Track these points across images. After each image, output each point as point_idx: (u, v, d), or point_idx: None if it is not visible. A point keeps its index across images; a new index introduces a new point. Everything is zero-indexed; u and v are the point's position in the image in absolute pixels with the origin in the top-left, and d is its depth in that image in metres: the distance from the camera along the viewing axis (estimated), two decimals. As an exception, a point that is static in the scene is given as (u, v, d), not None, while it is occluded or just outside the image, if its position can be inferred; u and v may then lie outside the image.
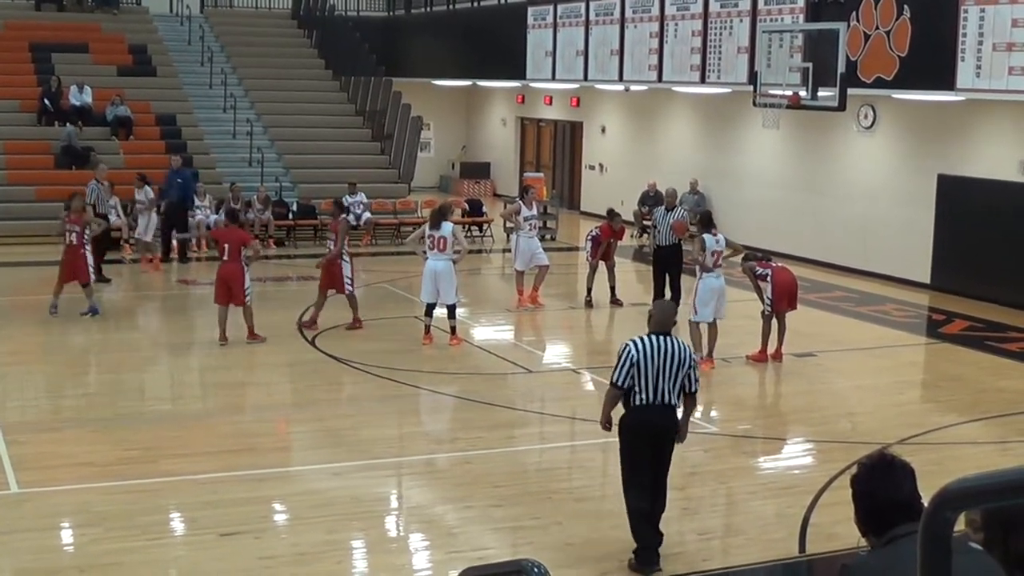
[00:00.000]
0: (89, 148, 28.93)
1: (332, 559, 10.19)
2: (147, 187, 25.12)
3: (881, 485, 4.62)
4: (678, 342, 9.87)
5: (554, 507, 11.41)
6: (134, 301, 22.70)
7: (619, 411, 10.08)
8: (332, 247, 19.22)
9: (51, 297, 19.58)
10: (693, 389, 9.89)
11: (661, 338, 9.77)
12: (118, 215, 25.95)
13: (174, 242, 26.16)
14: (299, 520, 11.07)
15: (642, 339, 9.78)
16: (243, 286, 17.72)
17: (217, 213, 27.38)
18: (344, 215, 20.40)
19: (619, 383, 9.75)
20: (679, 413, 9.98)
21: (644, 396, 9.69)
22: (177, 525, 11.10)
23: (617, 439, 10.03)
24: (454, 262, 18.16)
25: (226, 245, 18.05)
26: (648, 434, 9.79)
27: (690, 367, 9.81)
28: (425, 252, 18.21)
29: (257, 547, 10.26)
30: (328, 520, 10.93)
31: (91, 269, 19.81)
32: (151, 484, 11.79)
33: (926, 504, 4.65)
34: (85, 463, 12.35)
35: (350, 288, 19.08)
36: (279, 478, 12.22)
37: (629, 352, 9.71)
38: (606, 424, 10.15)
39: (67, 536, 10.80)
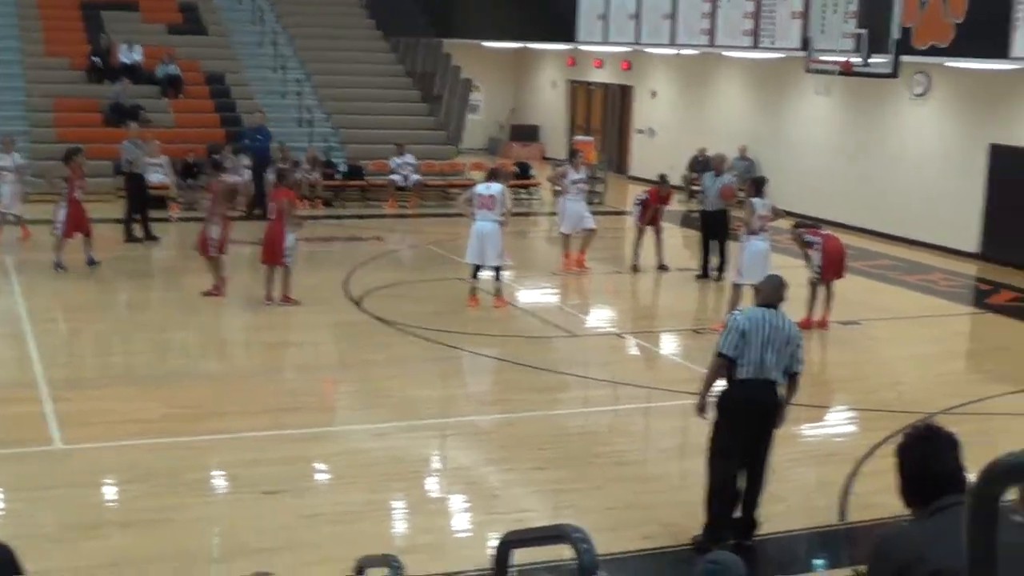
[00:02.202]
0: (138, 106, 29.01)
1: (373, 519, 10.25)
2: (15, 153, 22.72)
3: (926, 456, 4.60)
4: (786, 318, 9.55)
5: (596, 471, 11.43)
6: (181, 260, 22.77)
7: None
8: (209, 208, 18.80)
9: (54, 255, 19.72)
10: (797, 369, 9.50)
11: (769, 311, 9.49)
12: (166, 174, 26.09)
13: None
14: (341, 480, 11.14)
15: (751, 310, 9.56)
16: (284, 246, 17.70)
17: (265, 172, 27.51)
18: (222, 176, 19.90)
19: (726, 351, 9.34)
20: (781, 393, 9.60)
21: (749, 368, 9.31)
22: (220, 483, 11.20)
23: (715, 414, 9.61)
24: (501, 223, 18.11)
25: (273, 204, 18.11)
26: (750, 410, 9.42)
27: (797, 345, 9.44)
28: (474, 213, 18.16)
29: (299, 506, 10.32)
30: (370, 480, 11.00)
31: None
32: (195, 442, 11.90)
33: (971, 477, 4.64)
34: (130, 420, 12.44)
35: (214, 252, 18.32)
36: (322, 437, 12.28)
37: (736, 321, 9.42)
38: (702, 403, 9.73)
39: (110, 492, 10.91)
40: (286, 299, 17.84)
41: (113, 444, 11.73)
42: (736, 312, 9.62)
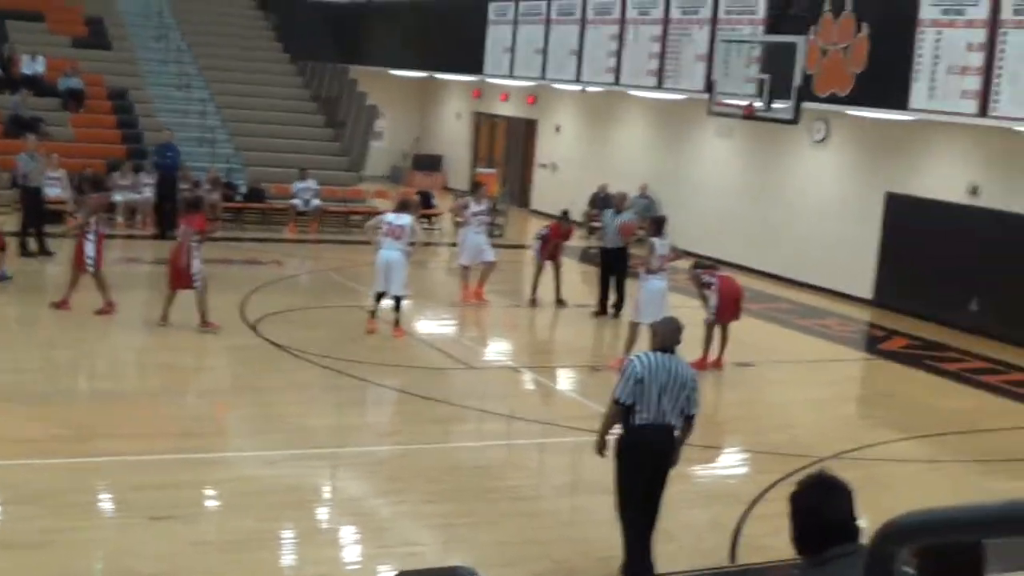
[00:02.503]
0: (38, 118, 28.62)
1: (262, 548, 10.13)
2: None
3: (819, 504, 4.65)
4: (681, 362, 9.54)
5: (489, 505, 11.40)
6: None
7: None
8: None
9: None
10: (693, 411, 9.51)
11: (665, 356, 9.46)
12: (63, 188, 25.83)
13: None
14: (231, 507, 11.01)
15: (647, 355, 9.48)
16: (191, 272, 17.49)
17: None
18: (100, 193, 19.67)
19: (622, 399, 9.33)
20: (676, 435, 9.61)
21: (645, 414, 9.31)
22: (107, 506, 11.01)
23: (614, 459, 9.57)
24: (407, 254, 18.07)
25: (184, 228, 17.94)
26: (648, 454, 9.41)
27: (692, 388, 9.45)
28: (379, 241, 18.10)
29: (187, 532, 10.18)
30: (260, 508, 10.87)
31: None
32: (83, 463, 11.69)
33: (864, 524, 4.68)
34: (16, 439, 12.20)
35: (90, 268, 18.15)
36: (213, 463, 12.14)
37: (633, 368, 9.36)
38: (601, 444, 9.73)
39: (-5, 512, 10.69)
40: (205, 324, 17.56)
41: (0, 463, 11.51)
42: (632, 358, 9.57)
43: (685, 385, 9.40)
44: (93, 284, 18.06)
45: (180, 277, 17.53)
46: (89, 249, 18.00)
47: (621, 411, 9.41)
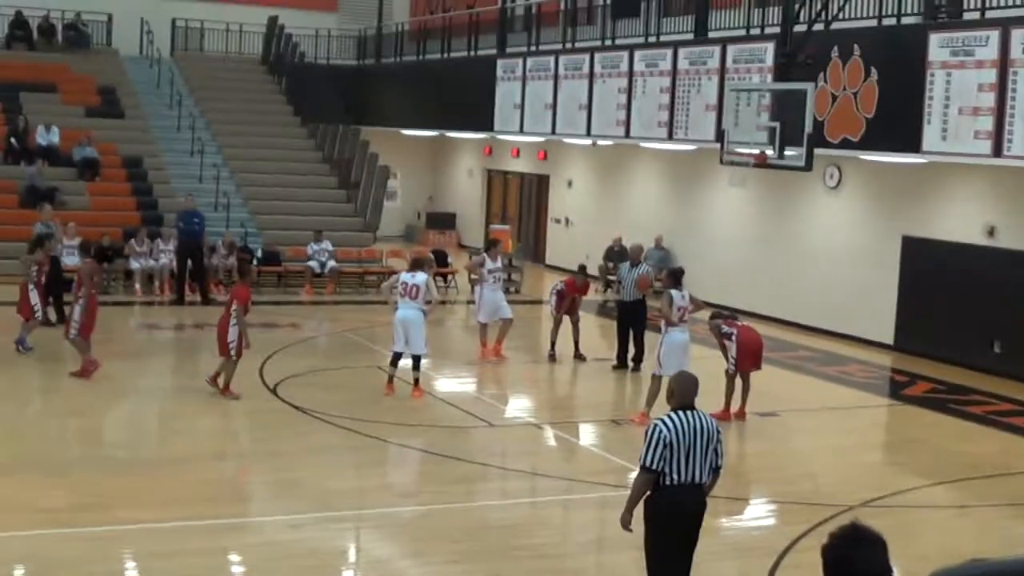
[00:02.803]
0: (54, 188, 28.75)
1: (288, 613, 10.05)
2: None
3: (851, 557, 4.58)
4: (704, 416, 9.27)
5: (514, 564, 11.31)
6: (95, 344, 22.41)
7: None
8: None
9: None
10: (719, 463, 9.27)
11: (688, 413, 9.17)
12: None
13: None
14: (256, 572, 10.94)
15: (670, 417, 9.14)
16: (227, 339, 17.49)
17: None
18: (90, 258, 19.63)
19: (652, 466, 8.98)
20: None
21: (676, 477, 9.01)
22: (132, 575, 10.92)
23: (644, 523, 9.26)
24: (424, 313, 18.05)
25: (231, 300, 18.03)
26: (681, 516, 9.17)
27: (718, 440, 9.20)
28: (396, 301, 18.09)
29: (212, 600, 10.10)
30: (285, 573, 10.80)
31: (33, 306, 19.97)
32: (105, 532, 11.61)
33: (896, 572, 4.60)
34: (40, 509, 12.14)
35: (74, 334, 18.42)
36: (236, 528, 12.07)
37: (660, 432, 9.03)
38: (629, 517, 9.35)
39: (15, 584, 10.63)
40: (225, 390, 17.52)
41: (21, 534, 11.42)
42: (657, 421, 9.21)
43: (712, 438, 9.17)
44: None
45: (222, 345, 17.53)
46: (76, 314, 18.42)
47: (651, 479, 9.09)
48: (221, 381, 17.49)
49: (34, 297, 20.13)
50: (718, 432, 9.27)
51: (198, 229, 26.74)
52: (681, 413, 9.17)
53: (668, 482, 9.06)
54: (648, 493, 9.20)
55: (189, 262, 26.50)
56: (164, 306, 26.24)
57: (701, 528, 9.39)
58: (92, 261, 19.25)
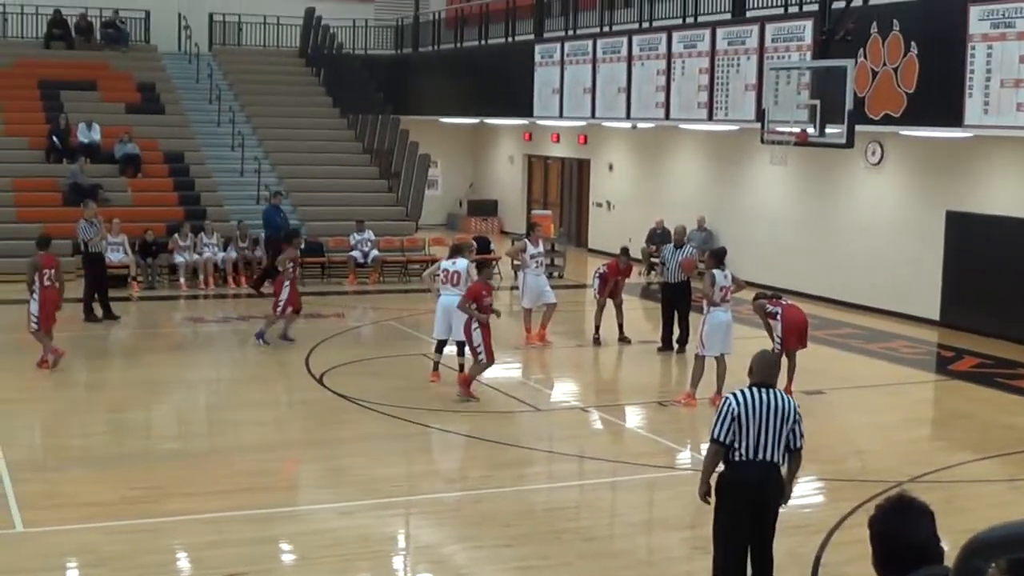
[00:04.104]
0: (97, 185, 28.94)
1: (339, 600, 10.09)
2: None
3: (899, 527, 4.56)
4: (781, 395, 9.22)
5: (564, 547, 11.32)
6: (142, 340, 22.64)
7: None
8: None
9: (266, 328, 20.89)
10: (798, 445, 9.19)
11: (763, 391, 9.13)
12: (126, 252, 26.22)
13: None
14: (306, 560, 10.98)
15: (743, 392, 9.16)
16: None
17: (225, 250, 27.49)
18: (43, 252, 19.02)
19: (720, 438, 9.03)
20: (783, 472, 9.31)
21: (745, 453, 9.03)
22: (183, 565, 11.00)
23: (715, 499, 9.29)
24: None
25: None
26: (749, 493, 9.09)
27: (795, 421, 9.12)
28: (438, 288, 18.15)
29: (264, 588, 10.16)
30: (336, 560, 10.85)
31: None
32: (156, 524, 11.70)
33: (945, 547, 4.60)
34: (90, 503, 12.25)
35: (34, 326, 18.39)
36: (286, 517, 12.13)
37: (729, 405, 9.06)
38: (705, 489, 9.38)
39: (71, 576, 10.72)
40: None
41: (72, 527, 11.54)
42: (728, 395, 9.21)
43: (788, 419, 9.08)
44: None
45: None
46: (32, 308, 18.33)
47: (720, 451, 9.11)
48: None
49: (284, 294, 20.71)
50: (796, 413, 9.18)
51: (284, 224, 27.06)
52: (756, 390, 9.16)
53: (737, 457, 9.07)
54: (722, 470, 9.21)
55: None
56: (209, 299, 26.40)
57: (777, 513, 9.31)
58: (44, 255, 18.93)
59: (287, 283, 20.50)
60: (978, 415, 17.16)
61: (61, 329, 19.67)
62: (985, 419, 16.90)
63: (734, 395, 9.15)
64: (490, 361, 17.03)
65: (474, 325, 16.91)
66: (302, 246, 23.31)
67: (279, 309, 20.48)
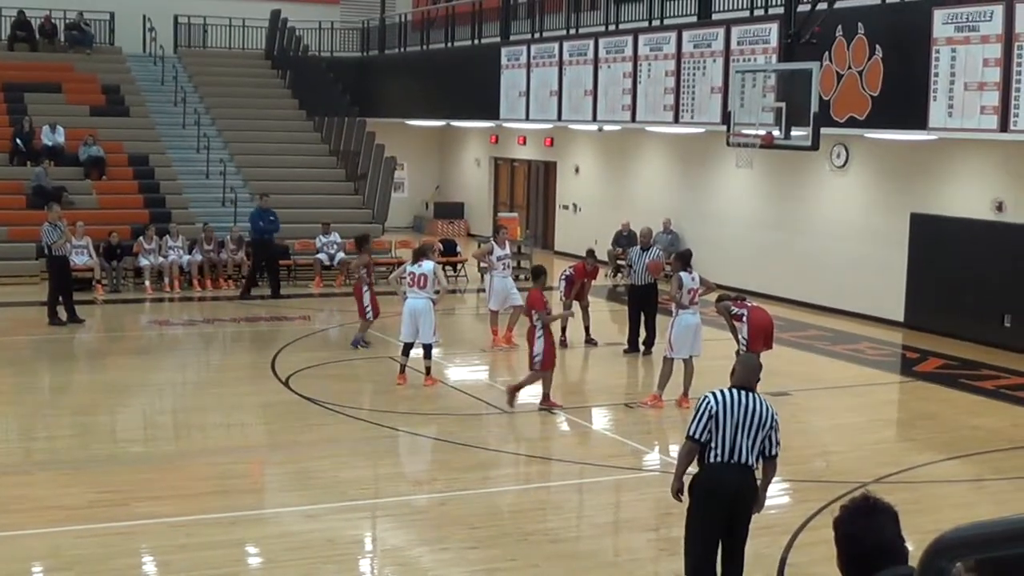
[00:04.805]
0: (61, 188, 28.80)
1: (307, 603, 10.07)
2: None
3: (864, 528, 4.58)
4: (762, 400, 9.20)
5: (530, 549, 11.33)
6: (106, 343, 22.55)
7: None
8: None
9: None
10: (774, 452, 9.15)
11: (743, 393, 9.14)
12: (90, 255, 26.10)
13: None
14: (273, 563, 10.96)
15: (722, 391, 9.16)
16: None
17: (190, 253, 27.40)
18: None
19: (696, 436, 9.03)
20: (757, 476, 9.29)
21: (719, 454, 9.00)
22: (150, 569, 10.97)
23: (687, 499, 9.29)
24: (433, 301, 18.09)
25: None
26: (722, 495, 9.07)
27: (772, 428, 9.10)
28: (404, 291, 18.15)
29: (231, 591, 10.14)
30: (303, 563, 10.83)
31: None
32: (123, 527, 11.64)
33: (910, 547, 4.62)
34: (57, 506, 12.20)
35: None
36: (253, 520, 12.10)
37: (708, 403, 9.08)
38: (678, 486, 9.41)
39: (37, 581, 10.67)
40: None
41: (38, 531, 11.48)
42: (708, 393, 9.23)
43: (764, 424, 9.06)
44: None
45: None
46: None
47: (695, 448, 9.13)
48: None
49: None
50: (774, 420, 9.17)
51: (273, 228, 27.05)
52: (736, 391, 9.17)
53: (712, 459, 9.07)
54: (696, 471, 9.23)
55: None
56: (174, 302, 26.30)
57: (750, 517, 9.33)
58: None
59: (366, 288, 20.79)
60: (943, 416, 17.25)
61: (26, 332, 19.60)
62: (950, 420, 16.99)
63: (713, 394, 9.17)
64: (549, 367, 16.90)
65: (538, 333, 16.79)
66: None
67: (367, 315, 20.78)
